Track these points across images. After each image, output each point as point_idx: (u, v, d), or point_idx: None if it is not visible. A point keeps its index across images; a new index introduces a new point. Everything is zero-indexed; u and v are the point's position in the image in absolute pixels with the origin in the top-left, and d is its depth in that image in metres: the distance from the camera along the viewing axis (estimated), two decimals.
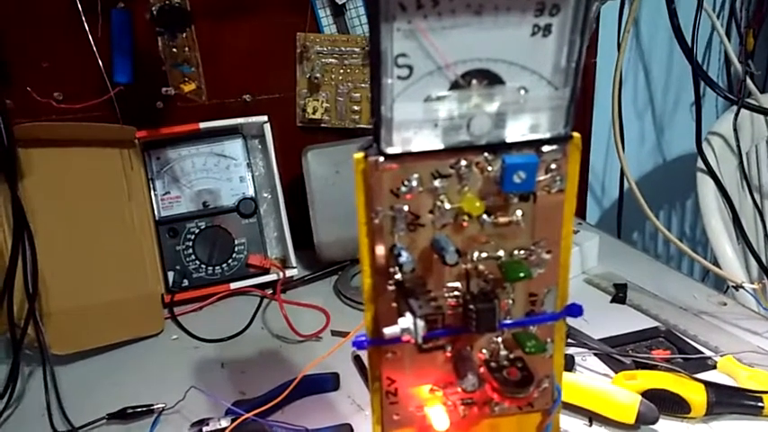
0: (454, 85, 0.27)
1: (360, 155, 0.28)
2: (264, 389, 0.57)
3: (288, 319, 0.70)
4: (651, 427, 0.52)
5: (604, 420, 0.52)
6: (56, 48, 0.76)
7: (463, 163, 0.28)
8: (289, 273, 0.80)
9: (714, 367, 0.60)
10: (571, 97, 0.28)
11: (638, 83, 1.15)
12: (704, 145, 0.89)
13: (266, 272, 0.81)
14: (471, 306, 0.29)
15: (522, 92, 0.27)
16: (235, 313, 0.76)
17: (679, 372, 0.58)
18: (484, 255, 0.30)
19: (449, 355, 0.29)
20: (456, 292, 0.30)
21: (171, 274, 0.78)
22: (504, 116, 0.28)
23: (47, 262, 0.63)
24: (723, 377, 0.58)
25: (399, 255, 0.27)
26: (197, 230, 0.80)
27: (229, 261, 0.80)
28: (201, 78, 0.73)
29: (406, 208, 0.28)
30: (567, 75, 0.27)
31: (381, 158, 0.28)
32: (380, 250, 0.28)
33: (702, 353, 0.62)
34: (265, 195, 0.83)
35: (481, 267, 0.30)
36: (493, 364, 0.30)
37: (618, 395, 0.52)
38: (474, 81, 0.27)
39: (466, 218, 0.29)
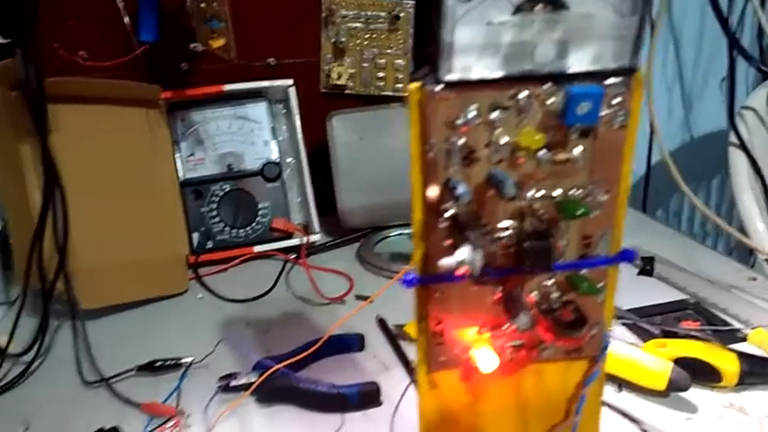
0: (517, 10, 0.26)
1: (416, 84, 0.27)
2: (289, 348, 0.56)
3: (313, 281, 0.70)
4: (681, 394, 0.51)
5: (634, 387, 0.52)
6: (82, 5, 0.75)
7: (523, 94, 0.27)
8: (312, 238, 0.80)
9: (744, 339, 0.59)
10: (639, 27, 0.27)
11: (668, 57, 1.12)
12: (737, 119, 0.87)
13: (289, 236, 0.80)
14: (526, 245, 0.28)
15: (587, 18, 0.26)
16: (258, 276, 0.75)
17: (710, 341, 0.57)
18: (539, 193, 0.29)
19: (498, 296, 0.29)
20: (509, 231, 0.29)
21: (195, 236, 0.78)
22: (567, 44, 0.27)
23: (74, 218, 0.62)
24: (753, 349, 0.57)
25: (455, 187, 0.26)
26: (221, 193, 0.79)
27: (253, 224, 0.80)
28: (231, 34, 0.71)
29: (461, 141, 0.27)
30: (635, 2, 0.26)
31: (439, 87, 0.27)
32: (433, 185, 0.28)
33: (732, 325, 0.61)
34: (289, 161, 0.83)
35: (536, 206, 0.29)
36: (544, 306, 0.29)
37: (649, 362, 0.52)
38: (538, 5, 0.26)
39: (522, 154, 0.28)
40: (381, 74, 0.88)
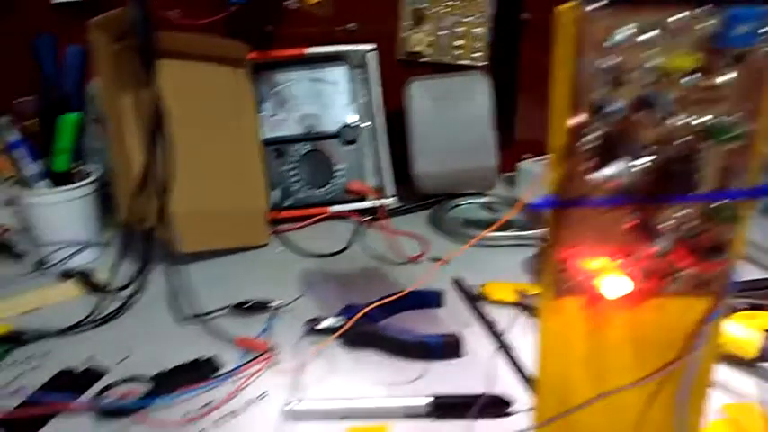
0: None
1: (569, 4, 0.27)
2: (369, 301, 0.58)
3: (391, 240, 0.71)
4: None
5: (723, 357, 0.51)
6: None
7: (680, 15, 0.27)
8: (386, 201, 0.81)
9: None
10: None
11: None
12: None
13: (364, 198, 0.82)
14: (671, 169, 0.28)
15: None
16: (332, 235, 0.77)
17: None
18: (686, 119, 0.28)
19: (633, 222, 0.29)
20: (653, 156, 0.29)
21: (275, 193, 0.81)
22: None
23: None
24: None
25: (605, 106, 0.27)
26: (300, 153, 0.82)
27: (329, 185, 0.82)
28: None
29: (612, 62, 0.27)
30: None
31: (595, 6, 0.27)
32: (579, 106, 0.28)
33: None
34: (365, 125, 0.84)
35: (681, 132, 0.29)
36: (681, 234, 0.29)
37: (738, 330, 0.51)
38: None
39: (672, 78, 0.28)
40: (459, 42, 0.88)
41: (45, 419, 0.47)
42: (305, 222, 0.80)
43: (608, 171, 0.27)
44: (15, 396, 0.49)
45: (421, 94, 0.81)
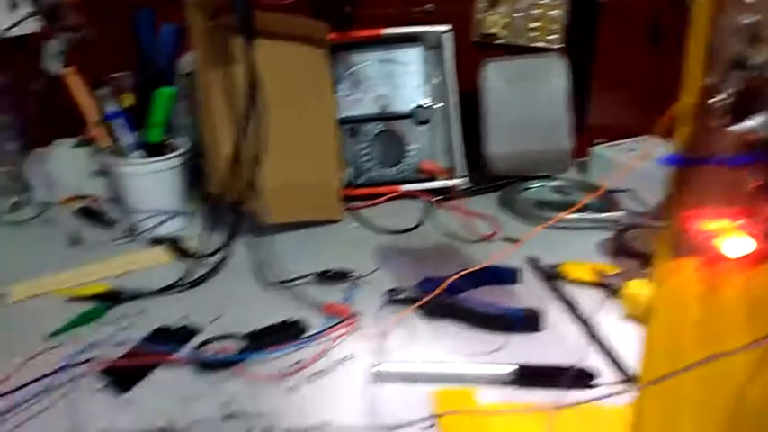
0: None
1: None
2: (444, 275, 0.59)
3: (464, 218, 0.72)
4: None
5: None
6: None
7: None
8: (457, 182, 0.82)
9: None
10: None
11: None
12: None
13: (435, 178, 0.83)
14: None
15: None
16: (403, 213, 0.79)
17: None
18: None
19: (758, 182, 0.29)
20: None
21: (348, 171, 0.83)
22: None
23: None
24: None
25: (741, 63, 0.26)
26: (374, 132, 0.83)
27: (401, 164, 0.84)
28: None
29: (750, 19, 0.27)
30: None
31: None
32: (715, 64, 0.27)
33: None
34: (438, 106, 0.85)
35: None
36: None
37: None
38: None
39: None
40: (535, 24, 0.88)
41: (147, 370, 0.50)
42: (376, 200, 0.82)
43: (750, 123, 0.26)
44: (119, 348, 0.53)
45: (497, 75, 0.81)
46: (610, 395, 0.38)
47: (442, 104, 0.85)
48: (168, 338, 0.54)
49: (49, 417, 0.45)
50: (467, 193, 0.84)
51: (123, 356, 0.51)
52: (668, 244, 0.28)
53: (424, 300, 0.55)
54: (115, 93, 0.71)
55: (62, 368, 0.49)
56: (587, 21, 0.89)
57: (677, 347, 0.29)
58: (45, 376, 0.48)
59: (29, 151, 0.82)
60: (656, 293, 0.29)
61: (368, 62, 0.84)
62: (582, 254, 0.66)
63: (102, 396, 0.47)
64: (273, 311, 0.57)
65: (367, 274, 0.62)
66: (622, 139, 0.90)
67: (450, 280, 0.54)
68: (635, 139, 0.91)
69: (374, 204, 0.82)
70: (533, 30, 0.88)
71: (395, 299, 0.58)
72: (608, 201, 0.77)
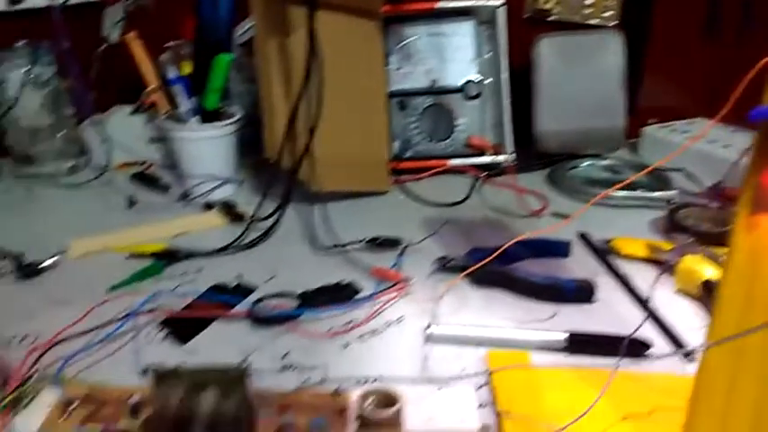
0: None
1: None
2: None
3: (514, 192, 0.72)
4: None
5: None
6: None
7: None
8: (505, 158, 0.82)
9: None
10: None
11: None
12: None
13: (483, 154, 0.83)
14: None
15: None
16: (450, 188, 0.79)
17: None
18: None
19: None
20: None
21: (396, 144, 0.83)
22: None
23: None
24: None
25: None
26: (423, 106, 0.83)
27: (449, 139, 0.84)
28: None
29: None
30: None
31: None
32: None
33: None
34: (488, 81, 0.84)
35: None
36: None
37: None
38: None
39: None
40: (590, 1, 0.86)
41: (206, 323, 0.52)
42: (423, 174, 0.82)
43: None
44: (179, 301, 0.54)
45: (551, 51, 0.80)
46: (666, 357, 0.38)
47: (493, 80, 0.84)
48: (225, 294, 0.56)
49: (115, 360, 0.47)
50: (515, 169, 0.84)
51: (183, 309, 0.53)
52: (748, 200, 0.28)
53: (476, 266, 0.55)
54: (174, 60, 0.72)
55: (126, 316, 0.51)
56: (643, 1, 0.87)
57: (748, 306, 0.29)
58: (110, 322, 0.50)
59: (87, 116, 0.85)
60: (732, 251, 0.29)
61: (419, 35, 0.84)
62: (633, 231, 0.66)
63: (165, 345, 0.49)
64: (325, 274, 0.58)
65: (417, 242, 0.63)
66: (673, 121, 0.89)
67: (502, 248, 0.54)
68: (687, 120, 0.90)
69: (421, 178, 0.82)
70: (588, 6, 0.87)
71: (445, 266, 0.58)
72: (660, 180, 0.76)
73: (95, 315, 0.51)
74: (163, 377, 0.32)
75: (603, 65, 0.80)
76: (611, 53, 0.80)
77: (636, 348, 0.46)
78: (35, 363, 0.46)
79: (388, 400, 0.37)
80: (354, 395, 0.40)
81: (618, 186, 0.55)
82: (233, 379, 0.32)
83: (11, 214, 0.75)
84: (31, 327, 0.51)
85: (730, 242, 0.29)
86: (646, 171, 0.64)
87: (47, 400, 0.42)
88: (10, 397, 0.41)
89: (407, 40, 0.84)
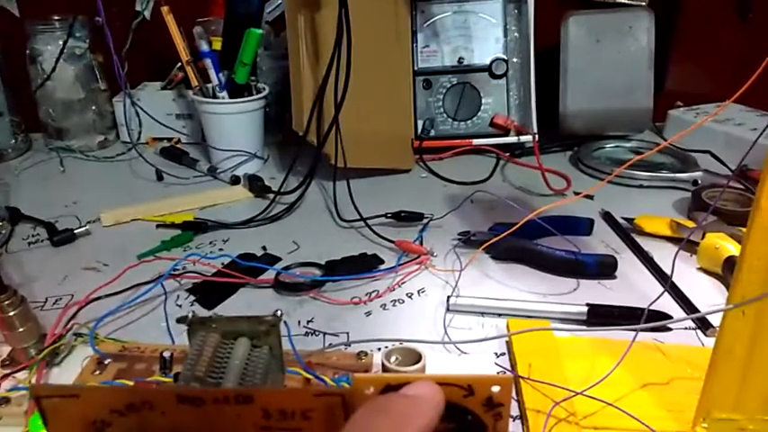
0: None
1: None
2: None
3: (539, 170, 0.72)
4: None
5: None
6: None
7: None
8: (529, 138, 0.82)
9: None
10: None
11: None
12: None
13: (507, 134, 0.83)
14: None
15: None
16: (473, 167, 0.79)
17: None
18: None
19: None
20: None
21: (420, 123, 0.83)
22: None
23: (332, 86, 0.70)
24: None
25: None
26: (448, 85, 0.84)
27: (474, 118, 0.84)
28: None
29: None
30: None
31: None
32: None
33: None
34: (515, 60, 0.84)
35: None
36: None
37: None
38: None
39: None
40: None
41: (233, 289, 0.53)
42: (446, 153, 0.83)
43: None
44: (206, 268, 0.56)
45: (579, 28, 0.80)
46: (684, 322, 0.39)
47: (520, 59, 0.84)
48: (252, 262, 0.57)
49: (145, 323, 0.49)
50: (539, 150, 0.83)
51: (211, 275, 0.55)
52: None
53: (498, 238, 0.55)
54: (205, 35, 0.74)
55: (156, 279, 0.52)
56: None
57: None
58: (141, 284, 0.52)
59: (119, 91, 0.87)
60: (756, 210, 0.29)
61: (447, 14, 0.84)
62: (658, 212, 0.65)
63: (193, 310, 0.51)
64: (349, 246, 0.59)
65: (439, 217, 0.64)
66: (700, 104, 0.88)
67: (524, 220, 0.54)
68: (714, 104, 0.88)
69: (444, 157, 0.82)
70: None
71: (467, 240, 0.59)
72: (685, 161, 0.75)
73: (126, 279, 0.53)
74: (199, 324, 0.33)
75: (633, 44, 0.79)
76: (641, 32, 0.79)
77: (655, 320, 0.46)
78: (70, 320, 0.48)
79: (412, 357, 0.38)
80: (378, 356, 0.41)
81: (635, 159, 0.55)
82: (265, 330, 0.34)
83: (44, 186, 0.77)
84: (65, 289, 0.53)
85: (753, 206, 0.29)
86: (659, 148, 0.63)
87: (81, 356, 0.44)
88: (47, 350, 0.43)
89: (434, 19, 0.84)
